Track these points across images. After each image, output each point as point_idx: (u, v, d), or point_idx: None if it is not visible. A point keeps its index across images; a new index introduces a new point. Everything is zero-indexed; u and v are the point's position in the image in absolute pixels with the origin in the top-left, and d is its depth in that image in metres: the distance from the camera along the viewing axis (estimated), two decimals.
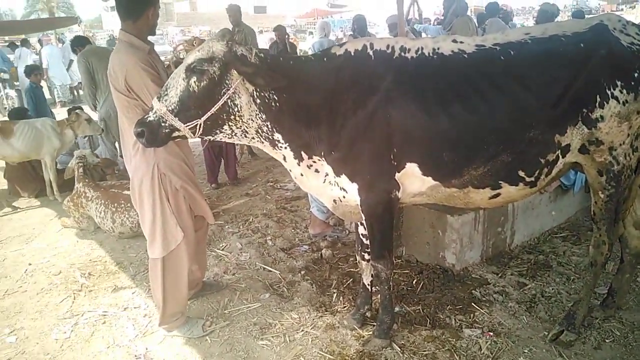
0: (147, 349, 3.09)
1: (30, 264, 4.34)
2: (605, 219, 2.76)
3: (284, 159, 2.76)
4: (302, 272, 3.88)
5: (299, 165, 2.75)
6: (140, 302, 3.62)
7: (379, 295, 2.99)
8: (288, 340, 3.06)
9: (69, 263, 4.32)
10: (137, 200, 3.00)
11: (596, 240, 2.84)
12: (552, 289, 3.50)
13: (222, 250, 4.37)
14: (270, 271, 3.93)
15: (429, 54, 2.57)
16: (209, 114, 2.46)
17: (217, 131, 2.59)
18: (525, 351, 2.88)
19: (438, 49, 2.58)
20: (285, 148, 2.69)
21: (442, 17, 11.70)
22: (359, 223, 3.03)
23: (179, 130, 2.49)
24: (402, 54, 2.58)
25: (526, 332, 3.05)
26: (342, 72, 2.58)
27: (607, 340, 2.95)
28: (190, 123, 2.47)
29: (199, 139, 2.77)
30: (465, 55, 2.55)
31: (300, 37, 24.45)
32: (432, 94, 2.51)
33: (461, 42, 2.61)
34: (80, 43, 6.98)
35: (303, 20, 35.41)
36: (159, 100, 2.47)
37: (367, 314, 3.18)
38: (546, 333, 2.99)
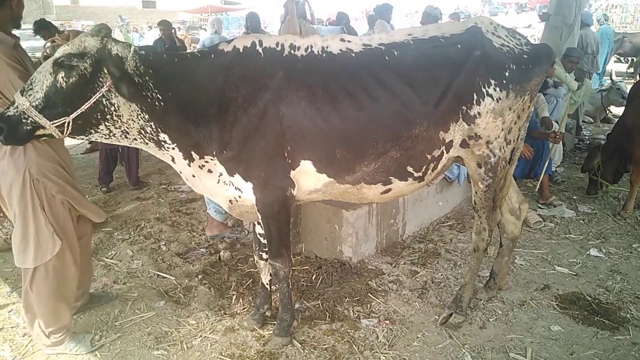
0: None
1: None
2: (485, 207, 2.98)
3: (173, 160, 2.64)
4: (200, 276, 3.75)
5: (190, 165, 2.65)
6: (18, 320, 3.27)
7: (279, 294, 2.98)
8: (186, 347, 2.95)
9: None
10: (7, 206, 2.71)
11: (477, 227, 3.06)
12: (441, 275, 3.72)
13: (111, 258, 4.09)
14: (165, 277, 3.76)
15: (318, 52, 2.59)
16: (78, 112, 2.28)
17: (92, 131, 2.41)
18: (419, 336, 3.03)
19: (327, 47, 2.61)
20: (174, 149, 2.57)
21: (335, 19, 12.00)
22: (256, 222, 2.99)
23: (44, 128, 2.29)
24: (292, 51, 2.57)
25: (419, 317, 3.21)
26: (231, 70, 2.52)
27: (491, 320, 3.20)
28: (57, 121, 2.28)
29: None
30: (353, 55, 2.60)
31: (192, 33, 23.69)
32: (322, 92, 2.54)
33: (349, 42, 2.66)
34: None
35: (196, 16, 34.32)
36: (22, 95, 2.26)
37: (267, 313, 3.15)
38: (437, 317, 3.18)
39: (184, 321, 3.19)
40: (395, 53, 2.61)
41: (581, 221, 4.76)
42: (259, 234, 3.00)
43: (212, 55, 2.57)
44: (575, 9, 7.14)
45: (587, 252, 4.12)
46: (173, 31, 7.83)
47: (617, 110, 9.15)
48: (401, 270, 3.79)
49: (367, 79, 2.57)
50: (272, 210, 2.68)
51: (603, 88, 9.08)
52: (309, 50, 2.58)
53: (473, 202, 3.02)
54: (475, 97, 2.64)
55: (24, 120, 2.26)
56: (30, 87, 2.27)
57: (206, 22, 28.58)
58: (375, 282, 3.60)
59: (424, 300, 3.40)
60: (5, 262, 4.10)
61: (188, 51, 4.47)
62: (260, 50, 2.56)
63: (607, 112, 9.30)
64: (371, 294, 3.44)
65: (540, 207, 5.02)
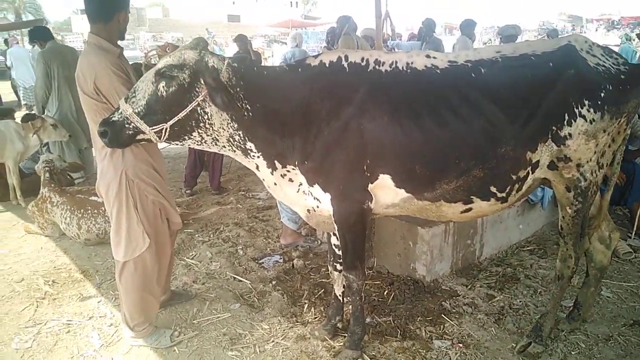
0: (112, 359, 3.00)
1: None
2: (572, 234, 2.83)
3: (257, 167, 2.74)
4: (274, 283, 3.84)
5: (273, 174, 2.73)
6: (106, 310, 3.52)
7: (351, 306, 2.98)
8: (258, 351, 3.02)
9: (32, 270, 4.16)
10: (105, 203, 2.95)
11: (563, 254, 2.91)
12: (520, 302, 3.56)
13: (192, 259, 4.29)
14: (241, 281, 3.89)
15: (402, 68, 2.59)
16: (175, 119, 2.44)
17: (186, 137, 2.56)
18: None
19: (412, 63, 2.61)
20: (258, 157, 2.67)
21: (416, 33, 11.94)
22: (331, 233, 3.03)
23: (144, 133, 2.46)
24: (377, 67, 2.60)
25: (494, 343, 3.09)
26: (317, 83, 2.58)
27: (572, 353, 3.01)
28: (156, 127, 2.45)
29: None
30: (438, 71, 2.58)
31: (270, 47, 24.54)
32: (405, 108, 2.54)
33: (434, 58, 2.64)
34: (41, 35, 6.47)
35: (277, 30, 35.47)
36: (126, 102, 2.45)
37: (338, 324, 3.17)
38: (514, 345, 3.04)
39: (258, 325, 3.27)
40: (483, 70, 2.57)
41: None
42: (334, 245, 3.03)
43: (300, 69, 2.66)
44: None
45: None
46: (249, 44, 8.15)
47: None
48: (477, 293, 3.67)
49: (452, 96, 2.54)
50: (349, 222, 2.71)
51: None
52: (394, 65, 2.60)
53: (559, 227, 2.88)
54: (566, 117, 2.53)
55: (126, 126, 2.45)
56: (134, 94, 2.46)
57: (286, 36, 29.47)
58: (449, 304, 3.51)
59: (501, 326, 3.26)
60: (97, 255, 4.43)
61: (276, 65, 4.61)
62: (345, 65, 2.60)
63: None
64: (445, 315, 3.35)
65: (630, 237, 4.66)
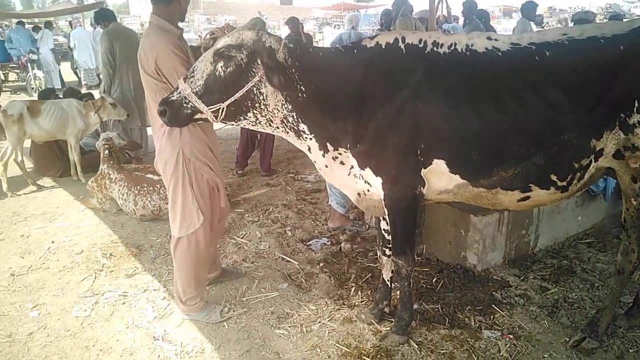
0: (165, 331, 3.12)
1: (53, 242, 4.41)
2: (636, 227, 2.68)
3: (309, 149, 2.75)
4: (321, 265, 3.87)
5: (324, 156, 2.73)
6: (159, 284, 3.66)
7: (399, 292, 2.96)
8: (305, 331, 3.06)
9: (91, 243, 4.38)
10: (163, 179, 3.05)
11: (625, 248, 2.77)
12: (576, 295, 3.43)
13: (242, 238, 4.38)
14: (289, 261, 3.94)
15: (462, 50, 2.51)
16: (232, 99, 2.46)
17: (241, 117, 2.58)
18: (545, 356, 2.83)
19: (472, 45, 2.52)
20: (311, 139, 2.67)
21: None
22: (381, 218, 3.01)
23: (201, 112, 2.50)
24: (435, 48, 2.53)
25: (547, 336, 3.00)
26: (372, 65, 2.55)
27: (630, 350, 2.88)
28: (213, 106, 2.47)
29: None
30: (499, 53, 2.48)
31: (322, 30, 24.39)
32: (463, 91, 2.47)
33: (495, 40, 2.54)
34: (105, 17, 6.84)
35: (329, 12, 35.22)
36: (185, 81, 2.49)
37: (385, 309, 3.16)
38: (567, 339, 2.94)
39: (305, 305, 3.32)
40: (547, 53, 2.44)
41: None
42: (384, 229, 3.01)
43: (355, 51, 2.62)
44: None
45: None
46: (300, 27, 8.11)
47: None
48: (530, 284, 3.56)
49: (513, 80, 2.44)
50: (399, 207, 2.67)
51: None
52: (452, 47, 2.52)
53: (622, 220, 2.73)
54: (636, 104, 2.39)
55: (184, 105, 2.50)
56: (192, 74, 2.50)
57: (338, 19, 29.20)
58: (501, 294, 3.42)
59: (554, 320, 3.15)
60: (151, 230, 4.60)
61: (332, 46, 4.58)
62: (402, 46, 2.55)
63: None
64: (495, 306, 3.28)
65: None
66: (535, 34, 2.64)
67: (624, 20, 4.57)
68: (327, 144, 2.68)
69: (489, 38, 2.57)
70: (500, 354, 2.83)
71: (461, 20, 14.68)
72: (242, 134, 6.12)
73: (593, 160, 2.53)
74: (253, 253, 4.09)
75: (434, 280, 3.59)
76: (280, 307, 3.32)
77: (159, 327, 3.16)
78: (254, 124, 2.63)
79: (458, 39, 2.58)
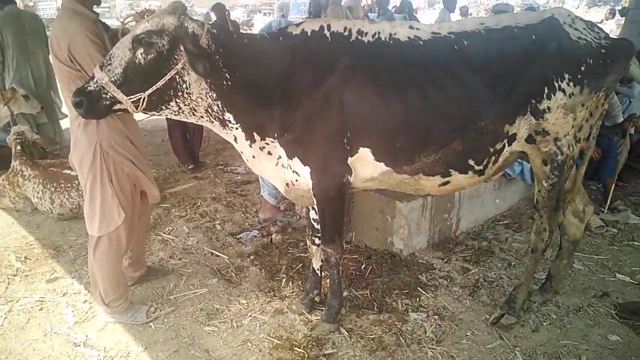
0: (87, 336, 2.96)
1: None
2: (547, 207, 2.86)
3: (235, 140, 2.69)
4: (251, 257, 3.83)
5: (251, 147, 2.68)
6: (80, 287, 3.46)
7: (328, 280, 2.99)
8: (235, 326, 3.02)
9: (3, 246, 4.06)
10: (79, 175, 2.87)
11: (537, 227, 2.94)
12: (494, 274, 3.62)
13: (168, 234, 4.24)
14: (219, 256, 3.86)
15: (385, 38, 2.55)
16: (154, 88, 2.35)
17: (163, 107, 2.48)
18: (468, 334, 2.97)
19: (395, 34, 2.57)
20: (237, 129, 2.62)
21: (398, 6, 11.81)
22: (310, 207, 3.01)
23: (120, 103, 2.37)
24: (359, 37, 2.55)
25: (469, 315, 3.15)
26: (298, 53, 2.53)
27: (544, 323, 3.09)
28: (133, 96, 2.35)
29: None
30: (421, 42, 2.55)
31: (251, 17, 23.98)
32: (387, 79, 2.51)
33: (417, 29, 2.61)
34: None
35: (259, 0, 34.63)
36: (102, 70, 2.34)
37: (316, 298, 3.18)
38: (488, 316, 3.10)
39: (235, 300, 3.27)
40: (466, 42, 2.54)
41: None
42: (313, 219, 3.02)
43: (281, 38, 2.59)
44: None
45: None
46: (227, 14, 7.89)
47: None
48: (453, 266, 3.72)
49: (434, 68, 2.52)
50: (328, 196, 2.69)
51: None
52: (376, 36, 2.55)
53: (535, 201, 2.91)
54: (546, 90, 2.53)
55: (103, 95, 2.35)
56: (109, 62, 2.36)
57: (268, 6, 28.75)
58: (426, 277, 3.55)
59: (475, 299, 3.32)
60: (70, 230, 4.34)
61: (258, 33, 4.48)
62: (327, 34, 2.55)
63: None
64: (421, 288, 3.40)
65: (603, 211, 4.77)
66: (455, 23, 2.73)
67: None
68: (254, 133, 2.63)
69: (411, 27, 2.62)
70: (427, 334, 2.94)
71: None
72: (174, 128, 5.82)
73: (507, 144, 2.66)
74: (180, 249, 3.97)
75: (362, 267, 3.66)
76: (209, 303, 3.25)
77: (80, 332, 3.00)
78: (176, 113, 2.54)
79: (382, 27, 2.62)
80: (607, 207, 4.79)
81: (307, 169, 2.63)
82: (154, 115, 2.55)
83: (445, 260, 3.81)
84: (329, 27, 2.56)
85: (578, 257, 3.87)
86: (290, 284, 3.46)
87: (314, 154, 2.59)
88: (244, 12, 28.17)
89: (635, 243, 4.21)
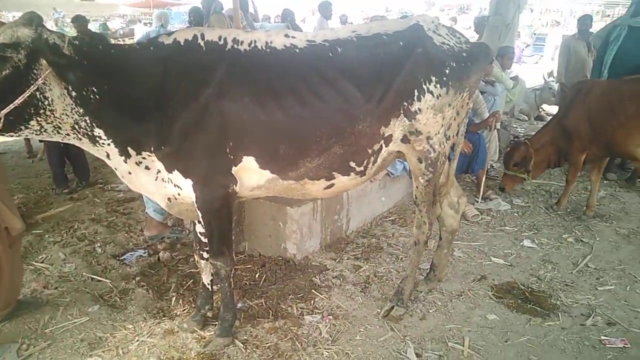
0: None
1: None
2: (425, 202, 3.03)
3: (108, 156, 2.53)
4: (137, 279, 3.60)
5: (126, 162, 2.53)
6: None
7: (220, 294, 2.91)
8: (122, 352, 2.82)
9: None
10: None
11: (418, 221, 3.11)
12: (384, 269, 3.78)
13: (42, 262, 3.85)
14: (100, 281, 3.58)
15: (262, 47, 2.55)
16: (11, 107, 2.13)
17: (22, 127, 2.26)
18: (361, 330, 3.05)
19: (271, 42, 2.57)
20: (109, 145, 2.46)
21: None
22: (196, 221, 2.91)
23: None
24: (235, 46, 2.52)
25: (362, 311, 3.24)
26: (171, 63, 2.44)
27: (431, 311, 3.27)
28: None
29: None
30: (297, 50, 2.58)
31: (127, 27, 22.80)
32: (265, 88, 2.50)
33: (293, 37, 2.63)
34: None
35: (138, 10, 33.06)
36: None
37: (208, 314, 3.07)
38: (379, 310, 3.21)
39: (120, 325, 3.05)
40: (339, 49, 2.61)
41: (515, 214, 4.97)
42: (200, 232, 2.92)
43: (151, 48, 2.48)
44: (512, 9, 7.47)
45: (521, 243, 4.30)
46: (86, 25, 7.40)
47: (549, 109, 9.65)
48: (345, 265, 3.81)
49: (311, 75, 2.55)
50: (213, 208, 2.62)
51: (536, 87, 9.54)
52: (253, 45, 2.54)
53: (414, 197, 3.07)
54: (416, 93, 2.68)
55: None
56: None
57: (148, 16, 27.57)
58: (319, 278, 3.60)
59: (367, 295, 3.43)
60: None
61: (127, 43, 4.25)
62: (201, 43, 2.49)
63: (540, 110, 9.77)
64: (315, 290, 3.43)
65: (477, 201, 5.19)
66: (329, 31, 2.79)
67: None
68: (129, 148, 2.49)
69: (286, 35, 2.64)
70: (322, 335, 2.97)
71: (272, 20, 15.08)
72: (48, 145, 5.30)
73: (384, 145, 2.77)
74: (56, 277, 3.62)
75: (257, 276, 3.62)
76: (91, 332, 2.99)
77: None
78: (38, 133, 2.32)
79: (258, 36, 2.61)
80: (480, 197, 5.22)
81: (189, 182, 2.54)
82: (12, 136, 2.32)
83: (337, 260, 3.89)
84: (202, 36, 2.50)
85: (457, 245, 4.16)
86: (180, 302, 3.31)
87: (195, 166, 2.52)
88: (122, 22, 26.78)
89: (507, 228, 4.64)
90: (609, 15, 22.15)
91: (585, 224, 4.69)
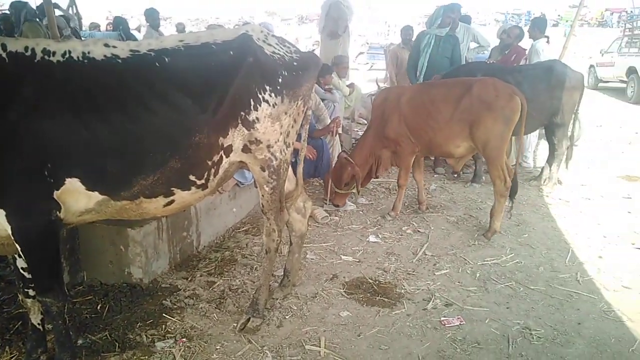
0: None
1: None
2: (273, 209, 3.05)
3: None
4: None
5: None
6: None
7: (54, 333, 2.60)
8: None
9: None
10: None
11: (267, 229, 3.13)
12: (239, 281, 3.72)
13: None
14: None
15: (78, 57, 2.34)
16: None
17: None
18: (218, 347, 2.96)
19: (89, 52, 2.37)
20: None
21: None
22: (16, 256, 2.56)
23: None
24: (46, 57, 2.28)
25: (217, 328, 3.14)
26: None
27: (287, 317, 3.29)
28: None
29: None
30: (119, 60, 2.42)
31: None
32: (85, 102, 2.31)
33: (114, 47, 2.46)
34: None
35: None
36: None
37: (41, 357, 2.72)
38: (235, 324, 3.15)
39: None
40: (167, 59, 2.50)
41: (361, 212, 5.26)
42: (21, 267, 2.57)
43: None
44: (340, 22, 7.98)
45: (367, 239, 4.56)
46: None
47: None
48: (197, 283, 3.67)
49: (136, 87, 2.42)
50: (34, 239, 2.34)
51: (372, 92, 10.26)
52: (67, 55, 2.32)
53: (261, 206, 3.07)
54: (252, 103, 2.68)
55: None
56: None
57: None
58: (170, 300, 3.41)
59: (222, 310, 3.34)
60: None
61: None
62: (4, 55, 2.20)
63: None
64: (166, 314, 3.24)
65: (325, 203, 5.39)
66: (154, 40, 2.67)
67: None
68: None
69: (106, 45, 2.46)
70: None
71: (103, 28, 14.09)
72: None
73: (224, 156, 2.73)
74: None
75: (99, 307, 3.30)
76: None
77: None
78: None
79: (72, 46, 2.40)
80: (328, 200, 5.44)
81: (2, 213, 2.24)
82: None
83: (189, 279, 3.73)
84: (4, 47, 2.22)
85: (309, 248, 4.27)
86: (7, 348, 2.88)
87: (6, 194, 2.22)
88: None
89: (354, 226, 4.88)
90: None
91: (421, 216, 5.14)
